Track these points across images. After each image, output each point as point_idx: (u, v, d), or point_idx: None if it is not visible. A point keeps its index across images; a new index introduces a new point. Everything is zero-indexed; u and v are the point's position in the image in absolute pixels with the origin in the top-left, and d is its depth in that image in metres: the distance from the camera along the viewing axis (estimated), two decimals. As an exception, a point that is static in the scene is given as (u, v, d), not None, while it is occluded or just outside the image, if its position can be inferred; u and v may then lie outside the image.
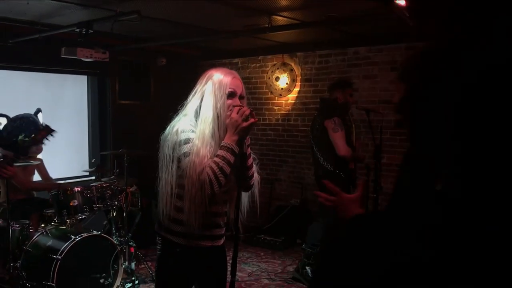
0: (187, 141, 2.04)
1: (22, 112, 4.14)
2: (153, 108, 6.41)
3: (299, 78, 5.98)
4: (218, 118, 2.07)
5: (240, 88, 2.15)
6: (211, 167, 1.99)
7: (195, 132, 2.06)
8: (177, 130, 2.07)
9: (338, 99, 4.27)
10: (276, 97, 6.20)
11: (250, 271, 4.80)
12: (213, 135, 2.06)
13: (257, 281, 4.53)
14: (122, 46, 5.51)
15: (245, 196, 2.24)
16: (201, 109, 2.11)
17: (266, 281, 4.53)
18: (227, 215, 2.25)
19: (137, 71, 6.37)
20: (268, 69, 6.26)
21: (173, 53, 6.34)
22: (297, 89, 6.01)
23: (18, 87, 5.25)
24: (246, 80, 6.50)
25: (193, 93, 2.19)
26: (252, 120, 2.03)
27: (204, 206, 2.01)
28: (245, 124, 2.02)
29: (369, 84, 5.29)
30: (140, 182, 4.80)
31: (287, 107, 6.13)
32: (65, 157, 4.91)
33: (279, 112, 6.20)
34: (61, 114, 5.55)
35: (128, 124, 6.16)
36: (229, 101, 2.10)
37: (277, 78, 6.11)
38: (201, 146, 2.01)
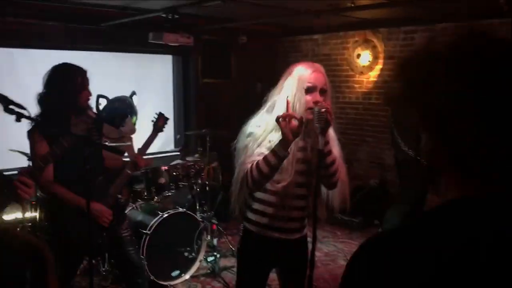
0: (249, 134, 2.15)
1: (116, 94, 4.44)
2: (235, 85, 6.55)
3: (382, 55, 5.79)
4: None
5: (321, 82, 2.12)
6: (252, 163, 2.06)
7: (259, 127, 2.15)
8: (249, 123, 2.21)
9: None
10: (357, 75, 6.06)
11: (327, 250, 4.87)
12: (278, 129, 2.05)
13: (334, 261, 4.60)
14: (204, 26, 5.64)
15: (335, 193, 2.26)
16: (277, 103, 2.15)
17: (342, 262, 4.58)
18: (305, 209, 2.29)
19: (219, 49, 6.50)
20: (349, 45, 6.12)
21: (253, 30, 6.38)
22: (379, 66, 5.83)
23: (109, 68, 5.56)
24: (326, 57, 6.41)
25: (275, 87, 2.23)
26: (294, 123, 1.97)
27: (242, 195, 2.19)
28: (283, 125, 1.96)
29: (457, 63, 5.00)
30: (221, 158, 4.98)
31: (368, 85, 5.99)
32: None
33: (359, 90, 6.07)
34: (149, 92, 5.84)
35: (211, 101, 6.35)
36: (308, 97, 2.09)
37: (359, 55, 5.96)
38: (257, 141, 2.12)
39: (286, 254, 2.31)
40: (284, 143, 1.99)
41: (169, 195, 4.31)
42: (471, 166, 0.78)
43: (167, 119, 3.11)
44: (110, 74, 5.50)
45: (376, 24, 5.71)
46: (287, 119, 1.97)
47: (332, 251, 4.87)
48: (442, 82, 0.79)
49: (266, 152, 2.07)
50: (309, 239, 2.30)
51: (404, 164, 4.17)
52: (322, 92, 2.12)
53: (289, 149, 2.02)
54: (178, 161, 4.77)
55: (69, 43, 4.99)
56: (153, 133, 3.05)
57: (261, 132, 2.14)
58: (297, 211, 2.26)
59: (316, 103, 2.04)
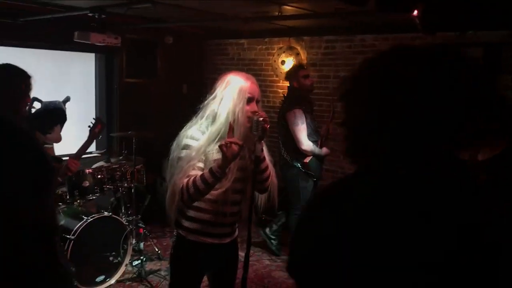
0: (185, 146, 2.18)
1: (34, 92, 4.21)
2: (160, 86, 6.48)
3: (304, 63, 6.03)
4: (233, 121, 2.15)
5: (257, 93, 2.25)
6: (189, 178, 2.11)
7: (196, 140, 2.17)
8: (186, 133, 2.22)
9: (294, 85, 4.36)
10: (281, 80, 6.26)
11: (251, 251, 4.96)
12: (220, 138, 2.15)
13: (258, 262, 4.73)
14: (130, 25, 5.54)
15: (262, 196, 2.37)
16: (218, 112, 2.22)
17: (267, 262, 4.73)
18: (238, 214, 2.38)
19: (144, 49, 6.40)
20: (274, 51, 6.31)
21: (179, 31, 6.37)
22: (302, 73, 6.07)
23: (26, 64, 5.26)
24: (251, 62, 6.55)
25: (212, 96, 2.28)
26: (234, 148, 2.03)
27: (175, 207, 2.21)
28: (225, 150, 2.03)
29: (373, 73, 5.35)
30: (146, 159, 4.93)
31: (292, 91, 6.20)
32: (72, 134, 5.05)
33: (283, 95, 6.27)
34: (69, 91, 5.61)
35: (135, 102, 6.23)
36: (247, 107, 2.19)
37: (283, 62, 6.17)
38: (195, 155, 2.14)
39: (217, 258, 2.38)
40: (223, 166, 2.07)
41: (92, 198, 4.19)
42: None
43: (104, 125, 3.03)
44: (27, 70, 5.21)
45: (300, 32, 5.94)
46: (228, 145, 2.04)
47: (257, 251, 5.00)
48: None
49: (201, 165, 2.14)
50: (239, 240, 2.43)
51: (282, 168, 4.37)
52: (257, 102, 2.25)
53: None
54: (102, 163, 4.66)
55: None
56: (89, 139, 2.96)
57: (201, 144, 2.17)
58: (231, 217, 2.34)
59: (254, 113, 2.15)
